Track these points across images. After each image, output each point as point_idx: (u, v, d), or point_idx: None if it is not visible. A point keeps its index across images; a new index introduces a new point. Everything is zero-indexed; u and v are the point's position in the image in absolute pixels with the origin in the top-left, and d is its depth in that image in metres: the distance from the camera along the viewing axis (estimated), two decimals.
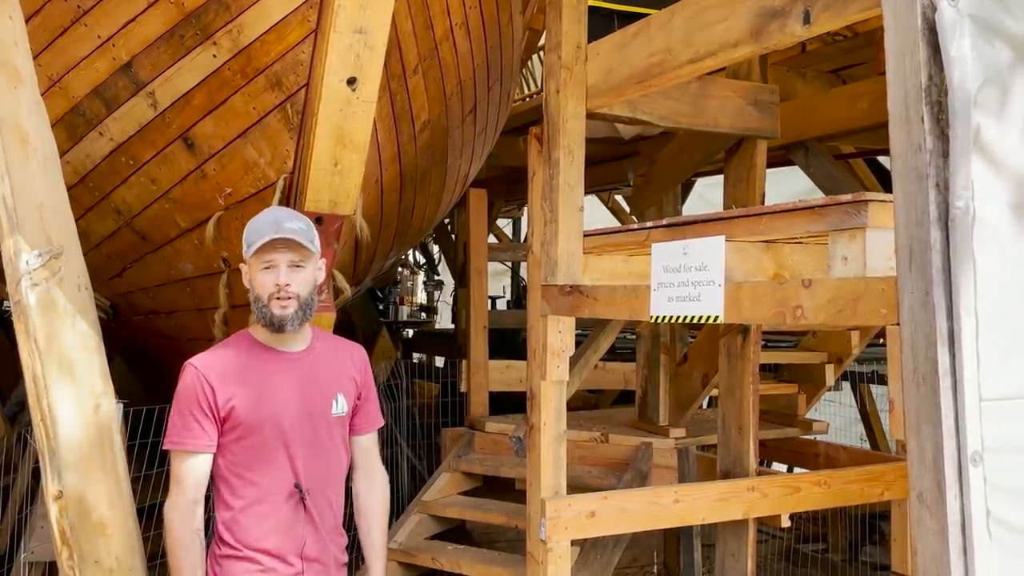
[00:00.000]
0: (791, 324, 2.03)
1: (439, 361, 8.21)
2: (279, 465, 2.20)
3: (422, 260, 12.13)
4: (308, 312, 2.24)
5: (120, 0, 2.88)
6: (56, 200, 2.22)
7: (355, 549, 4.67)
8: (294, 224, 2.21)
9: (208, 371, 2.18)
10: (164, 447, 2.18)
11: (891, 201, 1.55)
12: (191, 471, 2.15)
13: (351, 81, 2.66)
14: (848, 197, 1.88)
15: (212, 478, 2.25)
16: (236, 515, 2.19)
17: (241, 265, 2.30)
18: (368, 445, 2.51)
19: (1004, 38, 1.46)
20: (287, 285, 2.17)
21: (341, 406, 2.34)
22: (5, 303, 6.97)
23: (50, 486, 2.10)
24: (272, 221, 2.22)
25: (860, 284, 1.79)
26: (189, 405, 2.16)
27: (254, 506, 2.19)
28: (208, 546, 2.22)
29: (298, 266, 2.21)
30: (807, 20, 2.06)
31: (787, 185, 6.80)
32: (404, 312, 12.11)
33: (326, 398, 2.31)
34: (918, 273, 1.46)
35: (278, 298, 2.18)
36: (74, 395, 2.15)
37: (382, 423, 2.57)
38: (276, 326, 2.20)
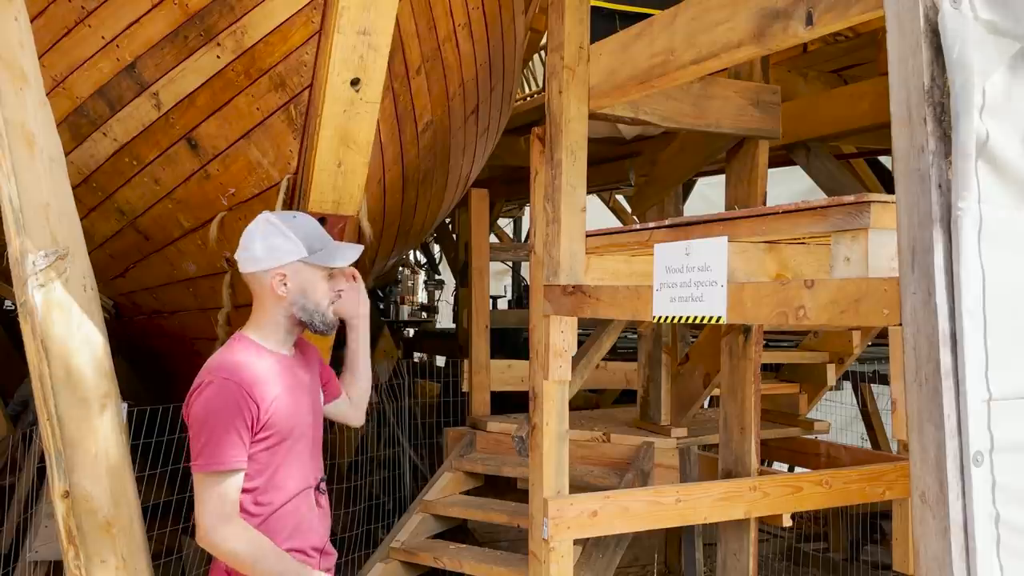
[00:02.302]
0: (793, 324, 2.04)
1: (440, 361, 8.22)
2: (303, 465, 2.24)
3: (423, 259, 12.14)
4: None
5: (124, 1, 2.89)
6: (62, 201, 2.23)
7: (357, 548, 4.69)
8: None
9: (249, 385, 2.10)
10: (209, 468, 2.03)
11: (893, 202, 1.56)
12: (235, 489, 2.07)
13: (355, 82, 2.67)
14: (851, 198, 1.89)
15: None
16: (260, 522, 2.15)
17: (282, 269, 2.21)
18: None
19: (1007, 39, 1.47)
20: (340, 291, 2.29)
21: (322, 398, 2.43)
22: (7, 303, 6.99)
23: (57, 485, 2.11)
24: (323, 233, 2.33)
25: (862, 285, 1.80)
26: (234, 422, 2.05)
27: (281, 508, 2.19)
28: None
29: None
30: (809, 21, 2.06)
31: (787, 185, 6.82)
32: (405, 311, 12.13)
33: (318, 394, 2.40)
34: (920, 274, 1.47)
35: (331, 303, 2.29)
36: (80, 395, 2.16)
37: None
38: (333, 329, 2.30)
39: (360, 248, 2.31)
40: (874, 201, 1.84)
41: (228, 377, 2.10)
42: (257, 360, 2.22)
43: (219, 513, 2.04)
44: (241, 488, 2.09)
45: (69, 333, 2.15)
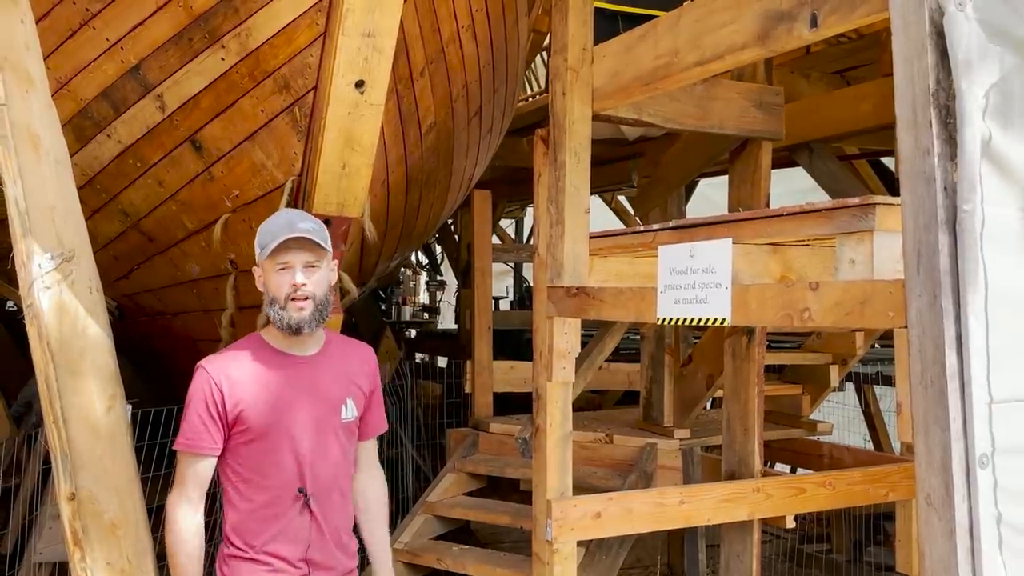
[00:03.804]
0: (798, 326, 2.04)
1: (442, 361, 8.22)
2: (287, 469, 2.20)
3: (425, 260, 12.15)
4: (324, 313, 2.23)
5: (129, 3, 2.90)
6: (67, 203, 2.24)
7: (360, 549, 4.69)
8: (307, 224, 2.22)
9: (218, 374, 2.17)
10: (174, 447, 2.19)
11: (899, 204, 1.56)
12: (197, 472, 2.17)
13: (359, 84, 2.67)
14: (856, 200, 1.89)
15: (219, 479, 2.26)
16: (244, 517, 2.19)
17: (254, 269, 2.29)
18: (371, 447, 2.53)
19: (1012, 42, 1.47)
20: (303, 285, 2.17)
21: (350, 411, 2.32)
22: (9, 303, 7.00)
23: (63, 487, 2.12)
24: (286, 223, 2.22)
25: (867, 287, 1.80)
26: (198, 407, 2.17)
27: (262, 509, 2.19)
28: (214, 547, 2.23)
29: (313, 266, 2.20)
30: (814, 23, 2.07)
31: (787, 184, 6.80)
32: (407, 312, 12.13)
33: (335, 404, 2.29)
34: (926, 276, 1.47)
35: (294, 299, 2.17)
36: (86, 397, 2.16)
37: (386, 427, 2.58)
38: (294, 329, 2.19)
39: (292, 234, 2.15)
40: (879, 203, 1.85)
41: (204, 365, 2.21)
42: (249, 356, 2.23)
43: (176, 489, 2.17)
44: (203, 474, 2.18)
45: (75, 335, 2.16)
